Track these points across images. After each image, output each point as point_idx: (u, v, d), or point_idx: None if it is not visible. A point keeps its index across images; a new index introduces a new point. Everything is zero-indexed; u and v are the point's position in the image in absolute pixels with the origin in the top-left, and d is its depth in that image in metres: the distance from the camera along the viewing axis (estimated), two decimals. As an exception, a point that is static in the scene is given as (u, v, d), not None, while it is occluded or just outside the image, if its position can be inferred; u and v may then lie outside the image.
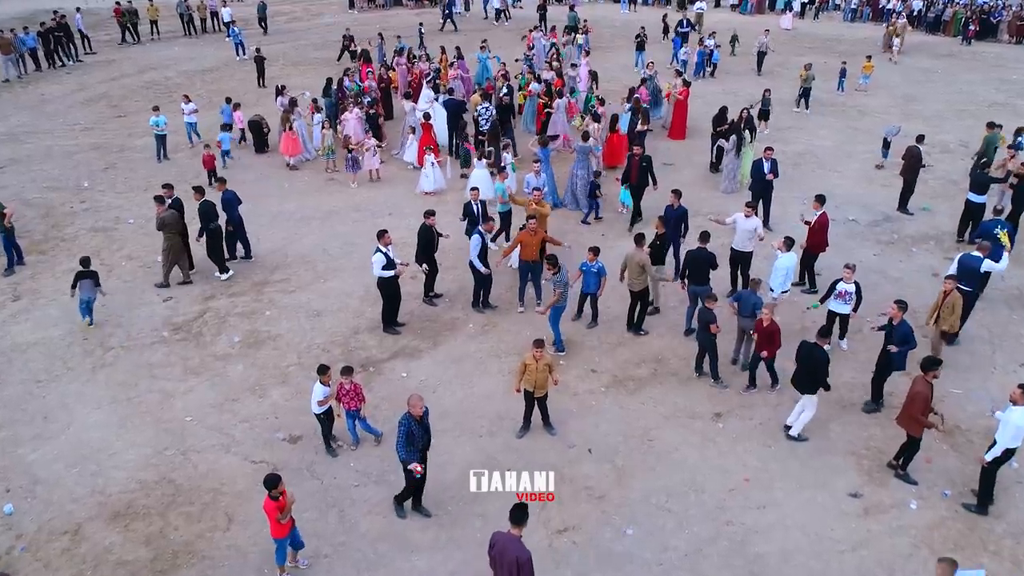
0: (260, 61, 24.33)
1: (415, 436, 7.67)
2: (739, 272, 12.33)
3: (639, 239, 10.93)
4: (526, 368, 8.99)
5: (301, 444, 9.28)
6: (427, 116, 16.84)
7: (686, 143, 19.28)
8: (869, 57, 25.37)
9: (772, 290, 11.23)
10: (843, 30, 34.27)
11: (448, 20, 31.15)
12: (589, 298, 11.37)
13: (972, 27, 32.08)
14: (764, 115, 19.88)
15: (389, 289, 11.12)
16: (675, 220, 12.61)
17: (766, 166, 14.15)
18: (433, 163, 15.62)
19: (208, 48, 29.34)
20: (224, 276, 12.86)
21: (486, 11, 34.50)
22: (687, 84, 19.52)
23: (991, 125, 16.21)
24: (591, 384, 10.41)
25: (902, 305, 9.61)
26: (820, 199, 12.32)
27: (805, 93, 22.03)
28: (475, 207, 12.47)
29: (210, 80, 24.96)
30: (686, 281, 11.20)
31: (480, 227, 11.62)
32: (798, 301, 12.31)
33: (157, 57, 27.78)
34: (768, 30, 27.03)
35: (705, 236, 11.13)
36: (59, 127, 20.43)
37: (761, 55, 25.75)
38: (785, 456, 9.19)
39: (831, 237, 12.85)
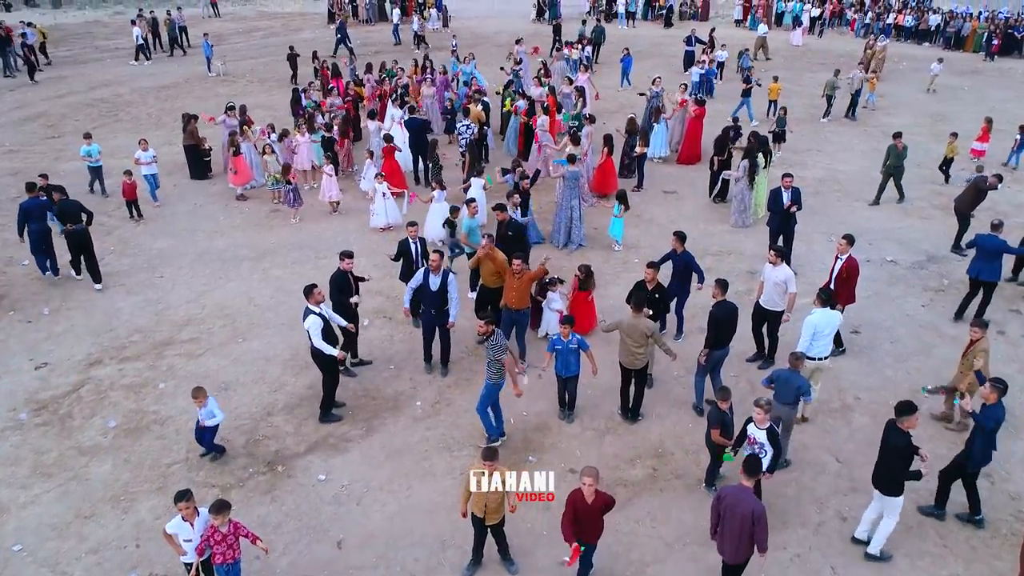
0: (293, 59, 23.41)
1: None
2: (765, 333, 9.83)
3: (638, 301, 8.31)
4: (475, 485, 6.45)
5: (162, 589, 6.71)
6: (388, 139, 14.41)
7: (693, 169, 16.80)
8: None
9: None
10: (855, 46, 31.89)
11: (342, 44, 27.43)
12: (567, 383, 8.67)
13: (996, 42, 29.89)
14: (779, 137, 17.51)
15: (329, 362, 8.50)
16: (680, 270, 10.11)
17: (785, 196, 11.67)
18: (385, 194, 13.14)
19: (171, 64, 27.12)
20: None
21: (396, 36, 30.29)
22: (701, 103, 17.07)
23: (897, 135, 14.79)
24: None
25: (999, 385, 7.03)
26: (849, 239, 9.71)
27: (828, 101, 20.70)
28: (413, 245, 10.04)
29: (164, 97, 22.65)
30: (708, 351, 8.62)
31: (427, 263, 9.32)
32: (835, 369, 9.76)
33: (113, 74, 25.53)
34: (862, 63, 23.08)
35: (724, 285, 8.59)
36: (-21, 149, 18.08)
37: (855, 96, 20.91)
38: (836, 609, 6.60)
39: (869, 284, 10.38)
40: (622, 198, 12.67)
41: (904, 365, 9.95)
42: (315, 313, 8.22)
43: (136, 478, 7.94)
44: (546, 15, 34.63)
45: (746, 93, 19.77)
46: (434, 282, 8.98)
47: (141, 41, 26.81)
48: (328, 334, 8.36)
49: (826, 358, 8.83)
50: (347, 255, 9.24)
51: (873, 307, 11.13)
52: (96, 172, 14.96)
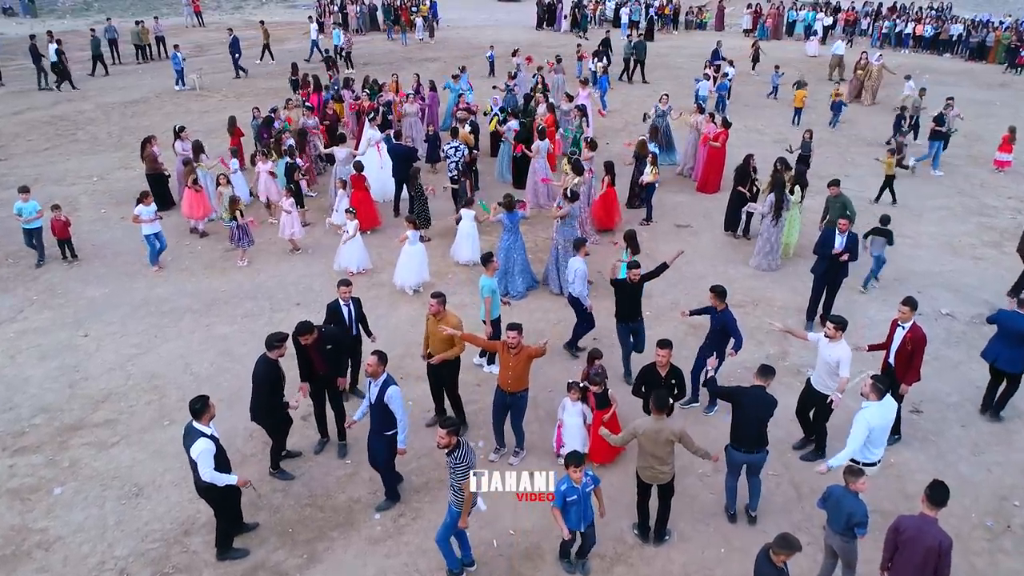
0: (328, 61, 21.31)
1: None
2: (812, 418, 7.96)
3: (660, 400, 6.35)
4: None
5: None
6: (359, 167, 12.56)
7: (710, 199, 14.90)
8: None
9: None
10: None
11: (237, 66, 25.12)
12: (584, 536, 6.43)
13: (1022, 53, 28.12)
14: (803, 161, 15.65)
15: (221, 495, 6.41)
16: (717, 331, 8.25)
17: (839, 241, 9.84)
18: (352, 232, 11.27)
19: (144, 77, 25.33)
20: None
21: (319, 51, 27.21)
22: (728, 125, 15.12)
23: (832, 184, 12.10)
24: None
25: None
26: (911, 304, 7.76)
27: (915, 124, 18.49)
28: (345, 309, 8.16)
29: (130, 114, 20.85)
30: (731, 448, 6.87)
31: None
32: (896, 464, 7.88)
33: (80, 88, 23.70)
34: (952, 98, 17.59)
35: (767, 371, 6.76)
36: (-92, 175, 16.25)
37: (946, 136, 16.85)
38: None
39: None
40: (630, 239, 10.80)
41: (982, 459, 8.05)
42: (205, 435, 6.16)
43: (-1, 635, 6.07)
44: (579, 27, 33.46)
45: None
46: (371, 392, 6.72)
47: (55, 58, 22.95)
48: (221, 457, 6.35)
49: (875, 465, 6.94)
50: (277, 342, 7.02)
51: (934, 375, 9.23)
52: (35, 235, 11.88)
